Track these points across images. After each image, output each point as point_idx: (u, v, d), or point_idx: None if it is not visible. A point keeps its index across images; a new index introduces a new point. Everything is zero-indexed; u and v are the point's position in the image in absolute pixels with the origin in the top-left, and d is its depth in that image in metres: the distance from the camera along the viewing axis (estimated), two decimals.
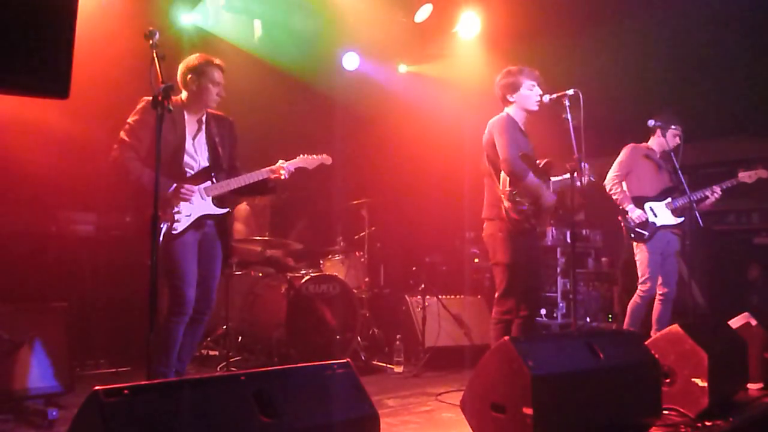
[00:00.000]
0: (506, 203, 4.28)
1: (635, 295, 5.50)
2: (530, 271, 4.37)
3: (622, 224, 5.59)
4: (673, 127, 5.60)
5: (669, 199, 5.59)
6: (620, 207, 5.56)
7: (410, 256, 7.30)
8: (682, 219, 5.54)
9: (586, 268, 7.83)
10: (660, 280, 5.50)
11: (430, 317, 5.95)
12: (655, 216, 5.52)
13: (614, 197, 5.59)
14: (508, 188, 4.28)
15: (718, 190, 5.51)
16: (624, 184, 5.64)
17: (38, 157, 5.15)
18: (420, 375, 5.50)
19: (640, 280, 5.49)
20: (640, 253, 5.52)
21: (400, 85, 7.50)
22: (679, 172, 5.37)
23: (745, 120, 7.78)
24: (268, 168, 4.09)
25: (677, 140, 5.61)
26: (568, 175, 4.27)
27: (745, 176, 5.53)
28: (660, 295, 5.48)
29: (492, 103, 4.63)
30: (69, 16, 1.73)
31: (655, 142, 5.75)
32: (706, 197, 5.51)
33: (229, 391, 2.05)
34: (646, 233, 5.47)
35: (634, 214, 5.47)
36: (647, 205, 5.55)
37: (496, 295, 4.40)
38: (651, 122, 5.53)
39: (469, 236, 7.75)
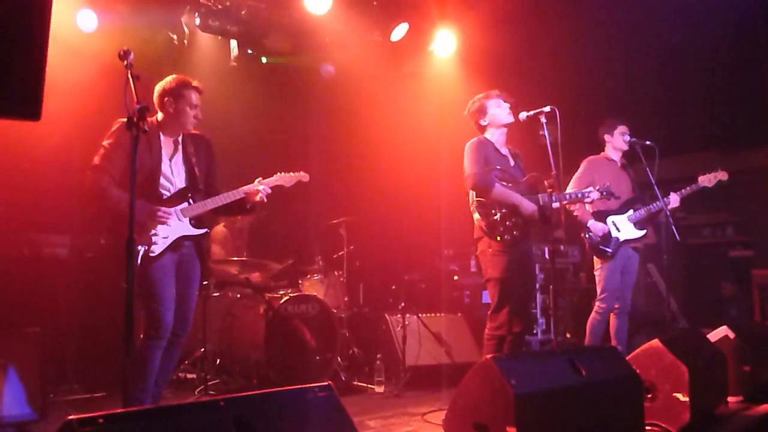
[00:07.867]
0: (476, 216, 4.29)
1: (593, 312, 5.35)
2: (521, 286, 4.36)
3: (586, 241, 5.41)
4: (619, 126, 5.53)
5: (631, 211, 5.42)
6: (582, 222, 5.37)
7: (389, 274, 7.27)
8: (645, 231, 5.40)
9: (564, 284, 7.84)
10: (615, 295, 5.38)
11: (410, 336, 5.91)
12: (618, 230, 5.35)
13: (574, 213, 5.39)
14: (475, 199, 4.30)
15: (676, 197, 5.35)
16: None
17: (10, 179, 5.06)
18: (401, 395, 5.45)
19: (599, 297, 5.35)
20: (600, 270, 5.38)
21: (376, 104, 7.50)
22: (634, 183, 5.27)
23: (713, 136, 7.90)
24: (244, 187, 4.05)
25: (626, 138, 5.46)
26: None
27: (705, 180, 5.39)
28: (615, 309, 5.36)
29: (468, 121, 4.66)
30: (41, 38, 1.71)
31: (610, 149, 5.62)
32: (666, 205, 5.31)
33: (208, 418, 1.99)
34: (609, 250, 5.29)
35: (596, 227, 5.29)
36: (609, 220, 5.38)
37: (489, 311, 4.39)
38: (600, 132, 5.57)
39: (447, 254, 7.73)
